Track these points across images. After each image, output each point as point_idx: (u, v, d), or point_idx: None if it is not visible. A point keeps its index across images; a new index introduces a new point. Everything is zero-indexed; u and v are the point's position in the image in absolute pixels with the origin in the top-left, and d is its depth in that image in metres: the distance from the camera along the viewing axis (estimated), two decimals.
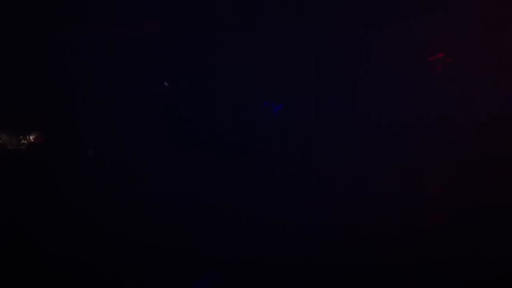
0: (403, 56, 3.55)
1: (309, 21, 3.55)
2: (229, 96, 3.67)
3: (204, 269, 3.56)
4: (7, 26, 3.57)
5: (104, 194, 3.62)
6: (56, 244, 3.56)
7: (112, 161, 3.63)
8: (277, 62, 3.63)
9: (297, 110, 3.68)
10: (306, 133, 3.61)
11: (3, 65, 3.59)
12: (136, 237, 3.58)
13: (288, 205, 3.58)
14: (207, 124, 3.66)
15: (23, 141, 3.54)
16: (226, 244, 3.56)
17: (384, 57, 3.56)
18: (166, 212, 3.59)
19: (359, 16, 3.53)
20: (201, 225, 3.58)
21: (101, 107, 3.68)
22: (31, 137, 3.48)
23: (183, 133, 3.67)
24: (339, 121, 3.60)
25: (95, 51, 3.68)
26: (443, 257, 3.43)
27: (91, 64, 3.69)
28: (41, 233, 3.58)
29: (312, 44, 3.58)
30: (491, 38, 3.45)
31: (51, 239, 3.57)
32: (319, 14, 3.53)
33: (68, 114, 3.70)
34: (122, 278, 3.57)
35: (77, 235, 3.58)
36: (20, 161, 3.67)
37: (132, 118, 3.68)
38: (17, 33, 3.62)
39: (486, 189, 3.46)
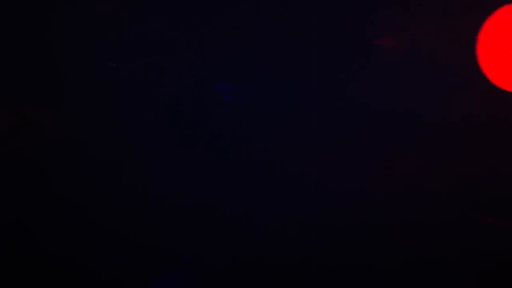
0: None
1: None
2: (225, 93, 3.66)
3: (197, 269, 3.58)
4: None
5: (104, 193, 3.61)
6: (53, 244, 3.57)
7: (107, 159, 3.62)
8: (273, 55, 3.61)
9: (295, 106, 3.65)
10: (303, 127, 3.58)
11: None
12: (136, 237, 3.58)
13: (285, 204, 3.57)
14: (203, 121, 3.65)
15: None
16: (221, 244, 3.56)
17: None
18: (159, 212, 3.59)
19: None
20: (195, 225, 3.59)
21: (101, 105, 3.68)
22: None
23: (181, 131, 3.66)
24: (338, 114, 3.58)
25: (94, 49, 3.67)
26: (446, 256, 3.43)
27: (91, 63, 3.68)
28: (39, 233, 3.59)
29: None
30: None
31: (49, 239, 3.57)
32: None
33: (68, 112, 3.69)
34: (121, 279, 3.58)
35: (75, 234, 3.58)
36: (18, 160, 3.66)
37: (131, 116, 3.68)
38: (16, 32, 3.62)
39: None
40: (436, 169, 3.50)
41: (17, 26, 3.62)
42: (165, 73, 3.67)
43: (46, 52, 3.64)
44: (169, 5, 3.61)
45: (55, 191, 3.61)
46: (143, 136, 3.62)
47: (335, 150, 3.55)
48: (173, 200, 3.58)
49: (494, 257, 3.38)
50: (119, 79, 3.65)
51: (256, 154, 3.59)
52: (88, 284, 3.57)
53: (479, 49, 3.38)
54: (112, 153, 3.63)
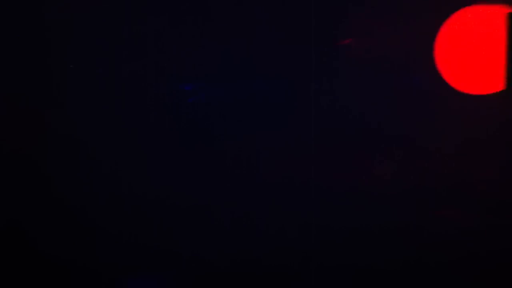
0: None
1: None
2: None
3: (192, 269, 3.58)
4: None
5: (103, 193, 3.61)
6: (53, 244, 3.57)
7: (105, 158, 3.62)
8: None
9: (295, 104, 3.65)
10: (303, 127, 3.58)
11: None
12: (136, 237, 3.59)
13: (285, 203, 3.57)
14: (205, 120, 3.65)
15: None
16: (221, 245, 3.56)
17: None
18: (159, 212, 3.60)
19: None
20: (195, 225, 3.59)
21: (101, 105, 3.67)
22: None
23: (181, 131, 3.66)
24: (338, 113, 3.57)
25: (94, 49, 3.67)
26: (446, 256, 3.43)
27: (91, 63, 3.68)
28: (39, 233, 3.59)
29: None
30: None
31: (49, 239, 3.57)
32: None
33: (68, 112, 3.68)
34: (121, 279, 3.58)
35: (74, 234, 3.58)
36: (18, 160, 3.66)
37: (132, 117, 3.67)
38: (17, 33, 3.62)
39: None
40: (435, 170, 3.51)
41: (17, 26, 3.61)
42: (165, 73, 3.67)
43: (46, 52, 3.64)
44: (169, 5, 3.61)
45: (55, 191, 3.61)
46: (143, 136, 3.62)
47: (335, 150, 3.55)
48: (173, 200, 3.59)
49: (494, 257, 3.39)
50: (119, 79, 3.65)
51: (256, 154, 3.59)
52: (88, 284, 3.57)
53: (437, 51, 3.38)
54: (112, 153, 3.62)
